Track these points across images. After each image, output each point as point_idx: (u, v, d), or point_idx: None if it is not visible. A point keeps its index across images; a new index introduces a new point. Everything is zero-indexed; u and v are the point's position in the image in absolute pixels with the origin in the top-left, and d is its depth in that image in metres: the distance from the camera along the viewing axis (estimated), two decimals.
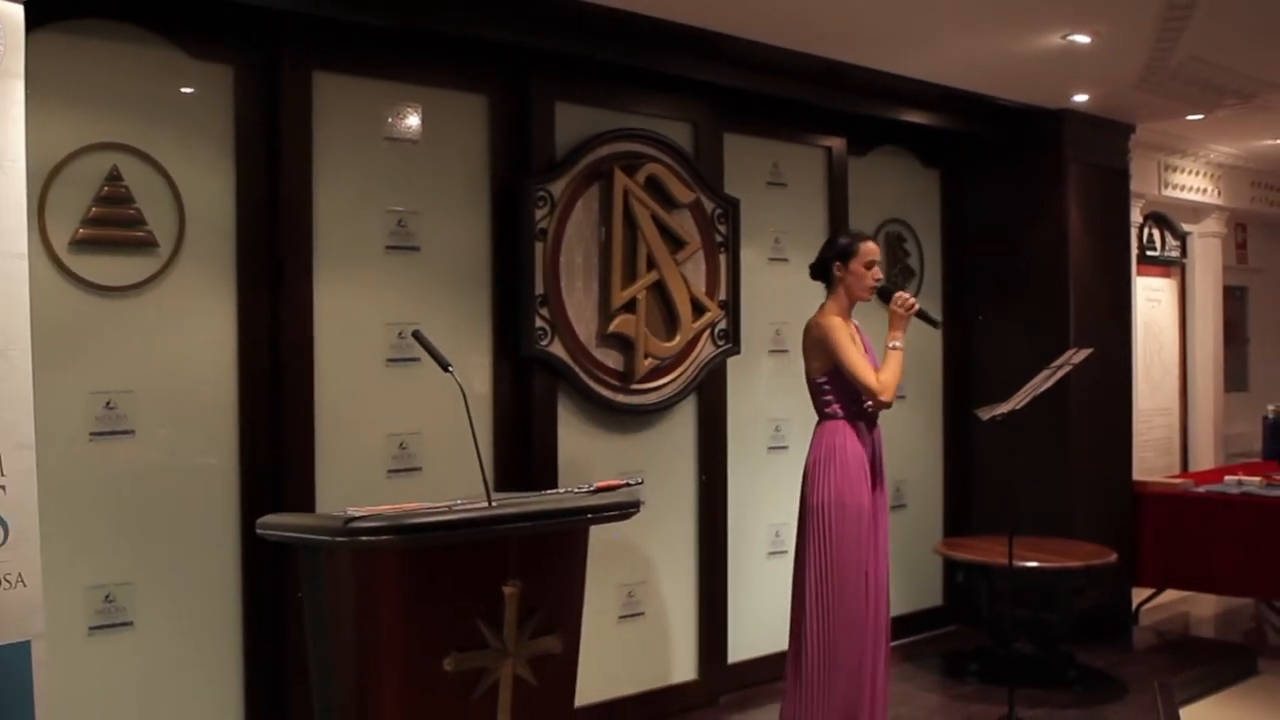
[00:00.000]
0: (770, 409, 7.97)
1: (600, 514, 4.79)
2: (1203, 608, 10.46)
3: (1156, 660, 8.68)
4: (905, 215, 9.16)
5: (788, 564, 7.42)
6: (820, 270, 6.48)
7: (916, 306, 6.35)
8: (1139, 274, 10.73)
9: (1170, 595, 10.15)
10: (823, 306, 6.42)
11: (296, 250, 5.88)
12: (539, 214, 6.63)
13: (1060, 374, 6.84)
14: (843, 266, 6.33)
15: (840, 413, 6.32)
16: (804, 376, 6.49)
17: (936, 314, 6.73)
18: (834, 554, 6.26)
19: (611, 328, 6.94)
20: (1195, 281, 12.00)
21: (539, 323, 6.64)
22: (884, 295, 6.44)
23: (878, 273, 6.39)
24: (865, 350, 6.39)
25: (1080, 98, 8.71)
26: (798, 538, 6.46)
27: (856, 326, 6.48)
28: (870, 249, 6.39)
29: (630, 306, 7.00)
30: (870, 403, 6.29)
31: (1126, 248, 9.96)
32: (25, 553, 4.27)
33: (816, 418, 6.47)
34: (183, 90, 5.65)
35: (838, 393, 6.32)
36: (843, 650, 6.27)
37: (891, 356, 6.25)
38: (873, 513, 6.34)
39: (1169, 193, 11.11)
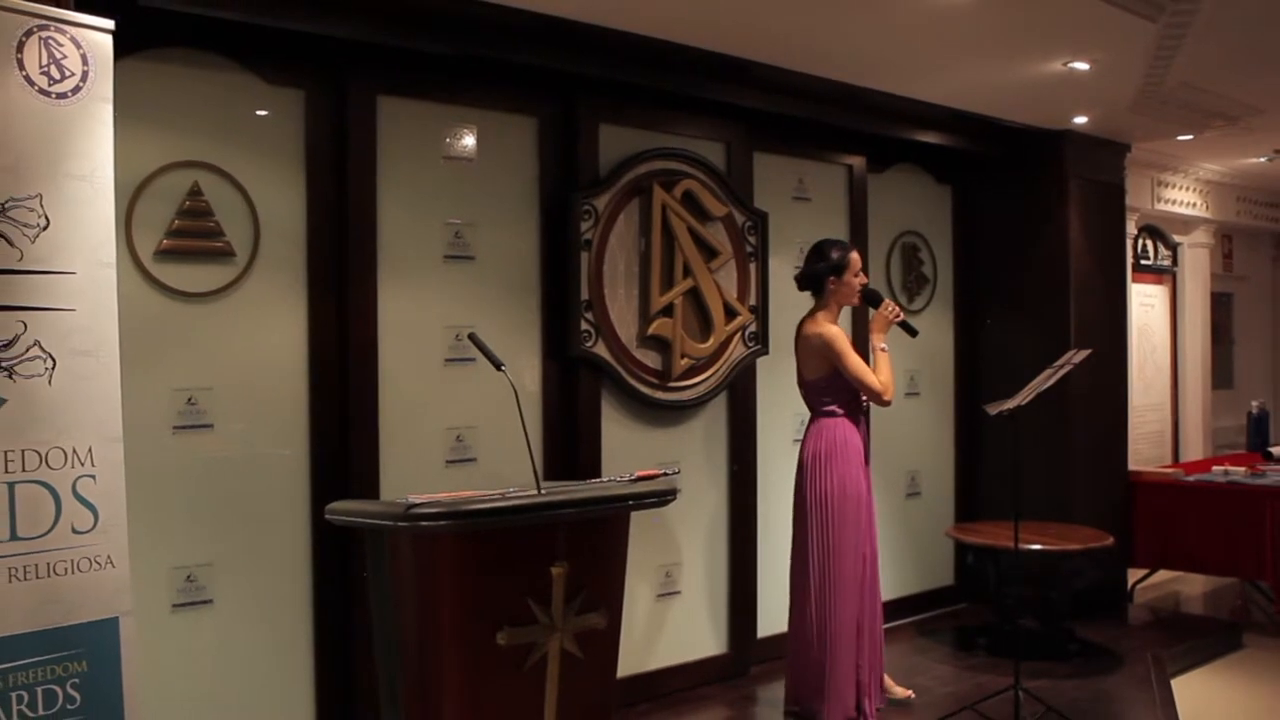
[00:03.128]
0: (796, 404, 7.81)
1: (640, 501, 4.76)
2: (1192, 587, 10.41)
3: (1150, 635, 8.59)
4: (920, 227, 9.08)
5: None
6: (811, 281, 6.47)
7: (901, 315, 6.48)
8: (1134, 281, 10.67)
9: (1162, 575, 10.13)
10: (815, 314, 6.49)
11: (362, 259, 5.85)
12: (584, 226, 6.57)
13: (1061, 373, 6.76)
14: (837, 279, 6.40)
15: (840, 411, 6.42)
16: (795, 377, 6.52)
17: (916, 326, 6.71)
18: (837, 540, 6.33)
19: (651, 330, 6.89)
20: (1185, 288, 11.90)
21: (584, 326, 6.59)
22: (871, 299, 6.50)
23: (863, 278, 6.46)
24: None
25: (1080, 119, 8.64)
26: (796, 525, 6.53)
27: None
28: (857, 258, 6.50)
29: (668, 311, 6.95)
30: (870, 401, 6.36)
31: (1122, 257, 9.87)
32: (114, 536, 4.23)
33: (810, 415, 6.57)
34: (258, 113, 5.62)
35: (836, 393, 6.41)
36: (845, 626, 6.35)
37: (882, 358, 6.38)
38: (868, 499, 6.46)
39: (1161, 207, 11.03)
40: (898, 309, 6.47)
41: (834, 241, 6.61)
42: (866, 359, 6.45)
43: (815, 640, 6.37)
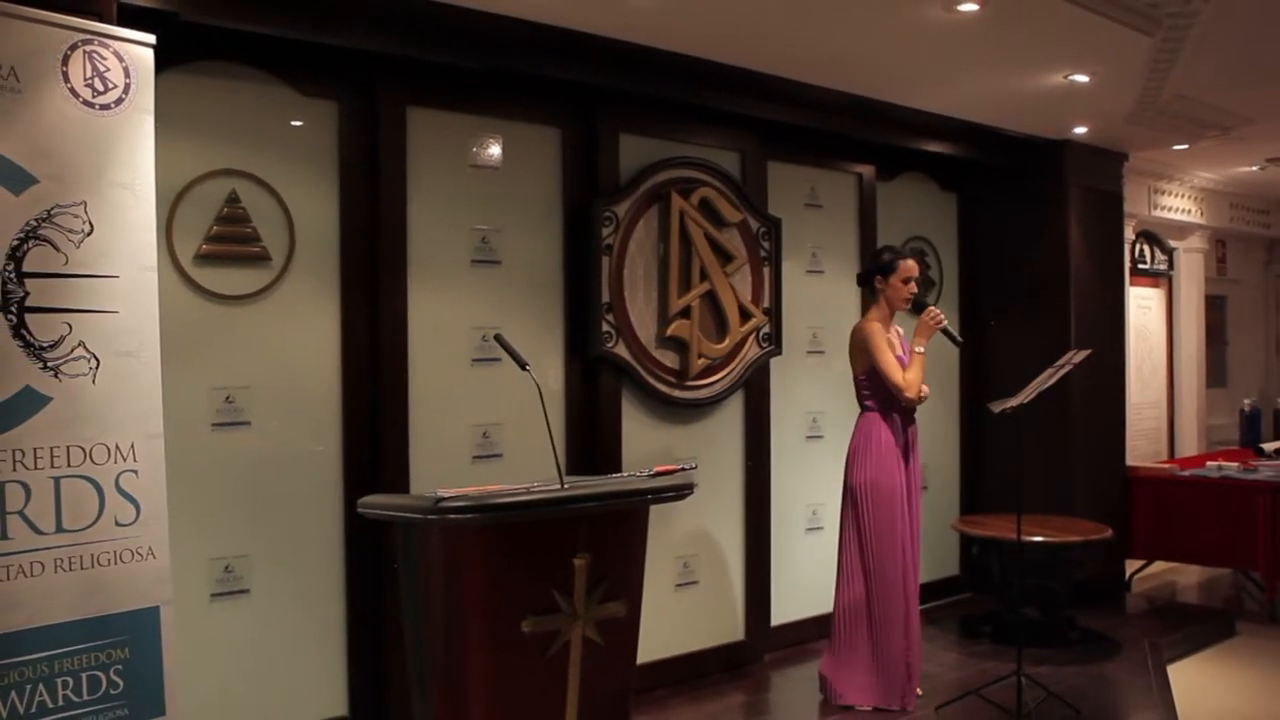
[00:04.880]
0: (808, 403, 7.88)
1: (659, 495, 4.73)
2: (1187, 577, 10.37)
3: (1147, 623, 8.55)
4: (926, 233, 9.05)
5: (824, 538, 7.45)
6: (864, 279, 6.68)
7: (944, 322, 6.50)
8: (1131, 284, 10.62)
9: (1159, 566, 10.13)
10: (865, 313, 6.59)
11: (392, 263, 5.83)
12: (605, 232, 6.54)
13: (1062, 372, 6.72)
14: (883, 280, 6.51)
15: (875, 406, 6.50)
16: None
17: (958, 334, 6.76)
18: (873, 527, 6.41)
19: (669, 331, 6.85)
20: (1181, 291, 11.83)
21: (605, 327, 6.56)
22: (918, 307, 6.49)
23: (914, 287, 6.51)
24: (902, 353, 6.51)
25: (1080, 130, 8.61)
26: (840, 515, 6.58)
27: (899, 333, 6.63)
28: (908, 267, 6.54)
29: (685, 313, 6.92)
30: (900, 399, 6.34)
31: (1120, 261, 9.83)
32: (155, 529, 4.22)
33: (857, 410, 6.61)
34: (293, 123, 5.60)
35: (873, 389, 6.48)
36: (887, 609, 6.42)
37: (916, 359, 6.45)
38: (905, 492, 6.44)
39: (1158, 213, 10.96)
40: (939, 316, 6.48)
41: (891, 247, 6.82)
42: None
43: (857, 620, 6.46)
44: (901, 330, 6.65)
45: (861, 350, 6.48)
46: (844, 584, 6.49)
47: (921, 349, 6.43)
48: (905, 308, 6.55)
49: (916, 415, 6.59)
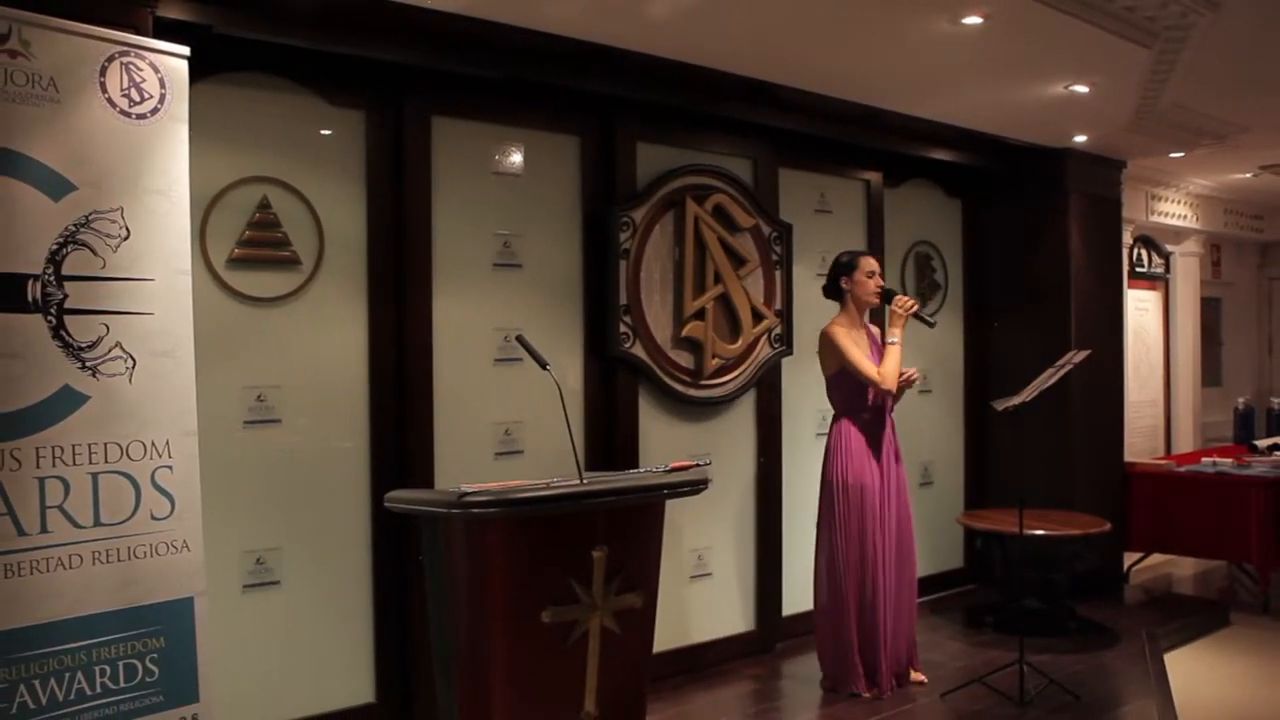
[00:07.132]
0: (818, 401, 7.78)
1: (675, 490, 4.76)
2: (1183, 569, 10.32)
3: (1144, 614, 8.50)
4: (932, 238, 9.00)
5: None
6: (832, 288, 6.60)
7: (915, 308, 6.44)
8: (1129, 287, 10.60)
9: (1156, 559, 10.07)
10: (834, 319, 6.50)
11: (418, 267, 5.80)
12: (623, 236, 6.52)
13: (1063, 372, 6.70)
14: (849, 279, 6.48)
15: (844, 408, 6.49)
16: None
17: (933, 318, 6.76)
18: (840, 524, 6.42)
19: (684, 332, 6.83)
20: (1177, 294, 11.79)
21: (623, 328, 6.53)
22: (887, 298, 6.44)
23: (879, 280, 6.45)
24: (872, 350, 6.49)
25: (1080, 138, 8.56)
26: (817, 512, 6.59)
27: (873, 333, 6.61)
28: (869, 261, 6.54)
29: (700, 315, 6.89)
30: (875, 393, 6.37)
31: (1119, 265, 9.78)
32: (189, 522, 4.23)
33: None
34: (322, 132, 5.58)
35: (842, 390, 6.49)
36: (852, 604, 6.41)
37: (890, 350, 6.38)
38: (879, 490, 6.41)
39: (1155, 219, 10.94)
40: (911, 302, 6.41)
41: (847, 250, 6.71)
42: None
43: (826, 613, 6.51)
44: (876, 330, 6.61)
45: (828, 353, 6.45)
46: (818, 575, 6.55)
47: (895, 340, 6.33)
48: (875, 302, 6.48)
49: (892, 416, 6.54)
